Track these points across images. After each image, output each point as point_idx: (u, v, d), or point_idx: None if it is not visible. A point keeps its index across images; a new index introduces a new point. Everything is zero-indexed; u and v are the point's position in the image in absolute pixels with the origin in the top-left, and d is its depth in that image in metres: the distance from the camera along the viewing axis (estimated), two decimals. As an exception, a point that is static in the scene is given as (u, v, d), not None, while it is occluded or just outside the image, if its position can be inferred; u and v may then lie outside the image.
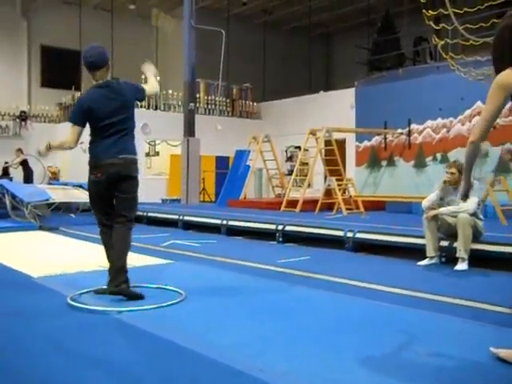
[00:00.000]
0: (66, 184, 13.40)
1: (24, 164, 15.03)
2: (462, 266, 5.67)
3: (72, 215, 12.61)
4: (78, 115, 4.32)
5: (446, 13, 9.03)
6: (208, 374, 2.65)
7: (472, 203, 5.77)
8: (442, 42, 9.65)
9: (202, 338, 3.21)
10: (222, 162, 16.31)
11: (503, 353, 2.65)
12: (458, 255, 5.71)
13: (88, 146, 4.37)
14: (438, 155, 12.43)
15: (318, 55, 22.45)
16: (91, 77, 4.37)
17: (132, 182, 4.24)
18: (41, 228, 9.79)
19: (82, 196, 11.75)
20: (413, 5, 12.86)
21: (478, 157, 2.72)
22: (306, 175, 12.51)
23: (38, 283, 4.83)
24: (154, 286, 4.60)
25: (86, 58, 4.39)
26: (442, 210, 5.95)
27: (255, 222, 8.77)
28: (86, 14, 19.91)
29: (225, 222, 9.12)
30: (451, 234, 5.91)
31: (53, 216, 11.65)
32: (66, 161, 18.63)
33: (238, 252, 7.06)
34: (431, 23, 9.32)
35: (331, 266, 5.99)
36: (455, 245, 5.80)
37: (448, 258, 5.98)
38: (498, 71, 2.57)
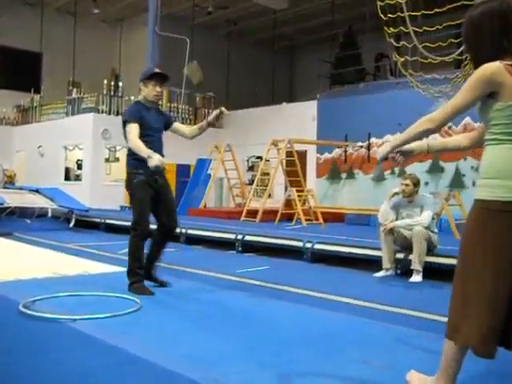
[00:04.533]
0: (21, 188, 13.07)
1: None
2: (416, 277, 5.80)
3: (27, 220, 12.30)
4: None
5: (407, 31, 9.27)
6: (162, 384, 2.62)
7: (427, 217, 5.94)
8: (402, 59, 9.90)
9: (157, 347, 3.18)
10: (182, 170, 16.18)
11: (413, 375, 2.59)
12: (412, 267, 5.84)
13: None
14: (396, 169, 12.68)
15: (282, 67, 22.65)
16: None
17: None
18: (-6, 233, 9.52)
19: (38, 201, 11.50)
20: (375, 22, 13.16)
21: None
22: (266, 185, 12.56)
23: (-11, 290, 4.69)
24: (110, 294, 4.53)
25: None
26: (398, 223, 6.08)
27: (215, 231, 8.76)
28: (48, 16, 19.57)
29: (184, 231, 9.06)
30: (407, 246, 6.04)
31: (7, 221, 11.34)
32: (23, 164, 18.21)
33: (196, 261, 7.03)
34: (392, 40, 9.54)
35: (289, 277, 6.03)
36: (410, 257, 5.93)
37: (403, 269, 6.10)
38: (476, 61, 2.35)
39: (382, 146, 2.66)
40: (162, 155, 4.67)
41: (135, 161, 4.67)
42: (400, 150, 2.64)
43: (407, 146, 2.65)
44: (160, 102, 16.79)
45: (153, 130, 4.73)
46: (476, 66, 2.33)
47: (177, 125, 5.07)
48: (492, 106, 2.25)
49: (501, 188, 2.20)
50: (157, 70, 4.81)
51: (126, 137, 4.69)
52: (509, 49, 2.26)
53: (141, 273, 4.70)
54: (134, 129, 4.59)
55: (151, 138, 4.69)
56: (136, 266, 4.66)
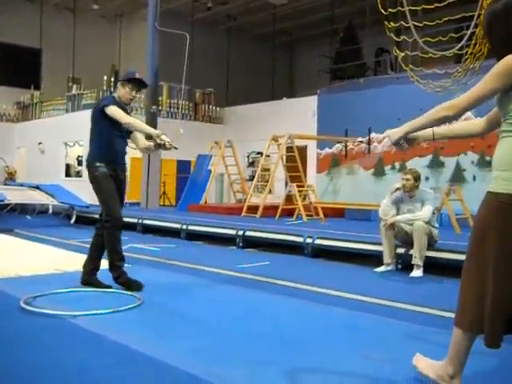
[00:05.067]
0: (21, 185, 13.08)
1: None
2: (417, 272, 5.80)
3: (28, 217, 12.31)
4: None
5: (407, 25, 9.25)
6: (164, 380, 2.63)
7: (427, 211, 5.94)
8: (403, 54, 9.87)
9: (158, 343, 3.18)
10: (183, 166, 16.21)
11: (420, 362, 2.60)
12: (413, 262, 5.85)
13: None
14: (397, 164, 12.68)
15: (282, 62, 22.61)
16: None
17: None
18: (-5, 230, 9.52)
19: (39, 197, 11.51)
20: (375, 16, 13.13)
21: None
22: (267, 181, 12.56)
23: (-10, 286, 4.69)
24: (111, 290, 4.54)
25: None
26: (399, 217, 6.08)
27: (215, 226, 8.76)
28: (47, 12, 19.54)
29: (185, 227, 9.07)
30: (407, 241, 6.04)
31: (8, 217, 11.35)
32: (24, 161, 18.22)
33: (197, 257, 7.03)
34: (392, 35, 9.52)
35: (290, 272, 6.03)
36: (411, 252, 5.93)
37: (404, 264, 6.10)
38: (498, 52, 2.29)
39: (394, 130, 2.58)
40: (124, 155, 4.72)
41: (96, 152, 4.61)
42: (405, 137, 2.62)
43: (412, 134, 2.61)
44: (160, 98, 16.62)
45: (124, 130, 4.65)
46: (498, 58, 2.28)
47: (136, 133, 4.84)
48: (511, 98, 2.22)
49: None
50: (137, 76, 4.73)
51: (96, 122, 4.62)
52: None
53: (121, 265, 4.62)
54: (119, 110, 4.49)
55: (120, 136, 4.63)
56: (116, 259, 4.61)
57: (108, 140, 4.58)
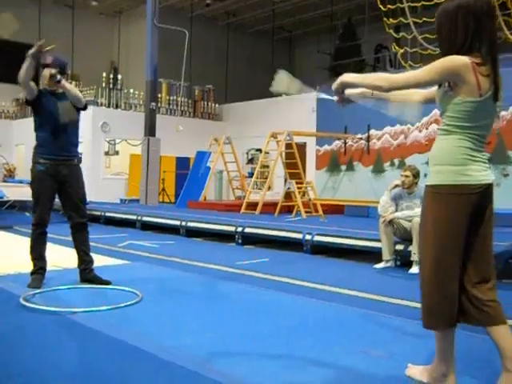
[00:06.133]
0: (21, 182, 13.08)
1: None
2: (416, 269, 5.80)
3: (27, 214, 12.31)
4: None
5: (406, 22, 9.25)
6: (163, 376, 2.63)
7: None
8: (402, 51, 9.88)
9: (158, 339, 3.18)
10: (182, 162, 16.19)
11: (411, 370, 2.64)
12: (412, 259, 5.86)
13: None
14: (396, 161, 12.65)
15: (281, 59, 22.57)
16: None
17: None
18: (-6, 226, 9.52)
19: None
20: (374, 13, 13.11)
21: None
22: (266, 178, 12.55)
23: (-10, 283, 4.69)
24: (110, 286, 4.54)
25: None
26: (398, 214, 6.08)
27: (215, 223, 8.76)
28: (45, 8, 19.51)
29: (184, 224, 9.07)
30: (406, 237, 6.05)
31: (7, 214, 11.35)
32: (23, 158, 18.19)
33: (196, 253, 7.04)
34: (391, 31, 9.52)
35: (289, 269, 6.04)
36: (410, 248, 5.94)
37: (403, 261, 6.11)
38: (445, 51, 2.39)
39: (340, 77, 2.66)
40: (67, 146, 4.55)
41: (36, 148, 4.55)
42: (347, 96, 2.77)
43: (352, 91, 2.78)
44: (159, 95, 16.49)
45: (61, 119, 4.48)
46: (444, 56, 2.37)
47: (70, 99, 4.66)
48: (450, 99, 2.33)
49: (450, 173, 2.32)
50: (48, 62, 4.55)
51: (33, 118, 4.57)
52: (478, 48, 2.31)
53: (38, 264, 4.55)
54: None
55: (58, 126, 4.47)
56: (33, 257, 4.56)
57: (43, 133, 4.49)
